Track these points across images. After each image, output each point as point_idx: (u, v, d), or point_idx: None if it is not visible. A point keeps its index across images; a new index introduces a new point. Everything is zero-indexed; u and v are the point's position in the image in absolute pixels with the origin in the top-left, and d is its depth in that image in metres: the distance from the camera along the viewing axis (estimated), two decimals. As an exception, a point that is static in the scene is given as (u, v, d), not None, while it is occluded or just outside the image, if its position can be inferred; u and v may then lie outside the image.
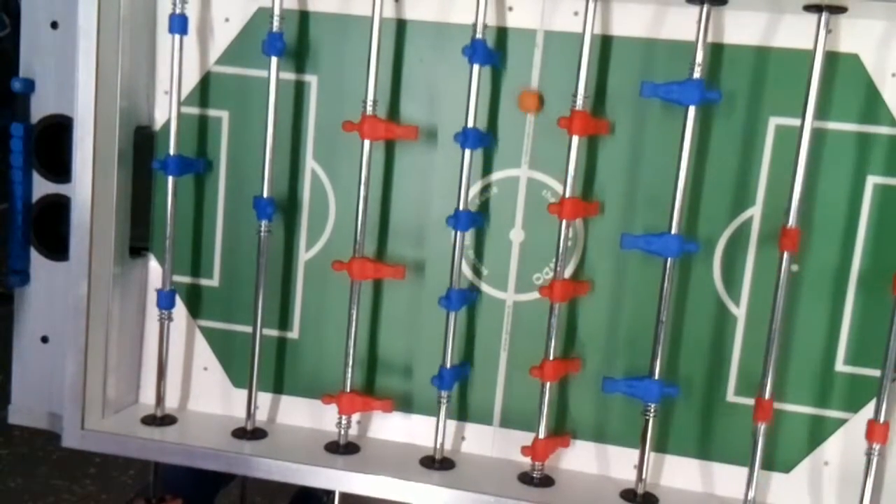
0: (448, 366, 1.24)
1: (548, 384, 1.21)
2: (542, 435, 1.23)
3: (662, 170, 1.18)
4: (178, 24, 1.26)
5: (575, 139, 1.17)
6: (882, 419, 1.12)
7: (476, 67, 1.18)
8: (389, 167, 1.29)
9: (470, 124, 1.19)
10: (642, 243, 1.17)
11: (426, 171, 1.28)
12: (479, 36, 1.17)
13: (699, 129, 1.18)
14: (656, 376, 1.18)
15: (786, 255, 1.13)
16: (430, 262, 1.29)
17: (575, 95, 1.16)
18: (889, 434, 1.13)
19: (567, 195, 1.18)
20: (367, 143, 1.22)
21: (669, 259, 1.16)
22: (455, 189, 1.21)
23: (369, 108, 1.21)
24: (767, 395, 1.15)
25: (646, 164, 1.22)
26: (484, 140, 1.23)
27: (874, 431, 1.13)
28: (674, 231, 1.16)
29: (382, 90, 1.25)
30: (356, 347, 1.27)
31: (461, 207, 1.22)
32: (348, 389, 1.27)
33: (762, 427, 1.16)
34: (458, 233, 1.22)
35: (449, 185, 1.23)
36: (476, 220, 1.25)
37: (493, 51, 1.21)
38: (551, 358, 1.21)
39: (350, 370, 1.27)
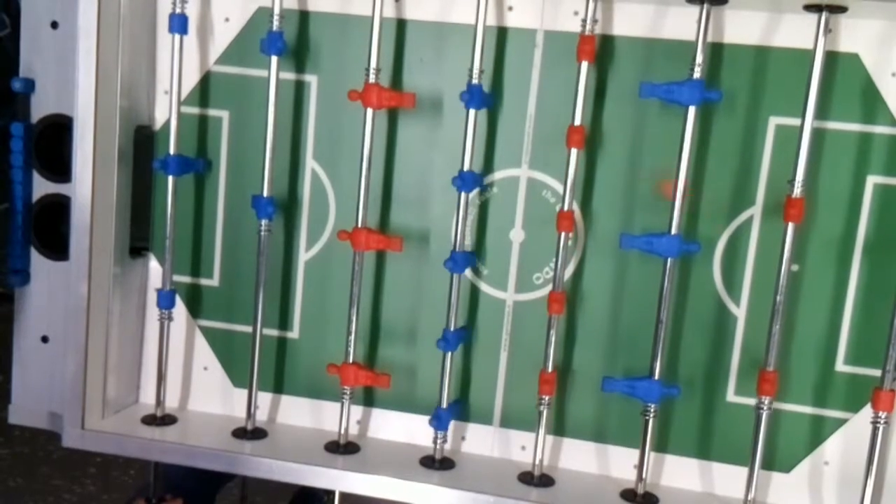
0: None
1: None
2: (541, 435, 1.23)
3: (662, 170, 1.18)
4: (178, 24, 1.26)
5: (574, 151, 1.17)
6: (887, 385, 1.12)
7: (473, 113, 1.19)
8: (392, 142, 1.29)
9: (470, 122, 1.19)
10: (642, 244, 1.17)
11: (429, 147, 1.28)
12: (475, 80, 1.18)
13: (699, 128, 1.18)
14: (656, 376, 1.18)
15: (786, 257, 1.13)
16: (433, 239, 1.29)
17: (574, 110, 1.16)
18: (896, 402, 1.13)
19: (566, 201, 1.18)
20: (369, 112, 1.22)
21: (669, 259, 1.16)
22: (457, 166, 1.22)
23: (372, 77, 1.21)
24: (771, 367, 1.15)
25: (646, 164, 1.22)
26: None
27: (880, 399, 1.12)
28: (674, 231, 1.15)
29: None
30: (358, 321, 1.26)
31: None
32: (350, 361, 1.27)
33: (767, 402, 1.15)
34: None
35: (452, 163, 1.22)
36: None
37: (488, 95, 1.22)
38: (550, 369, 1.21)
39: (352, 342, 1.26)
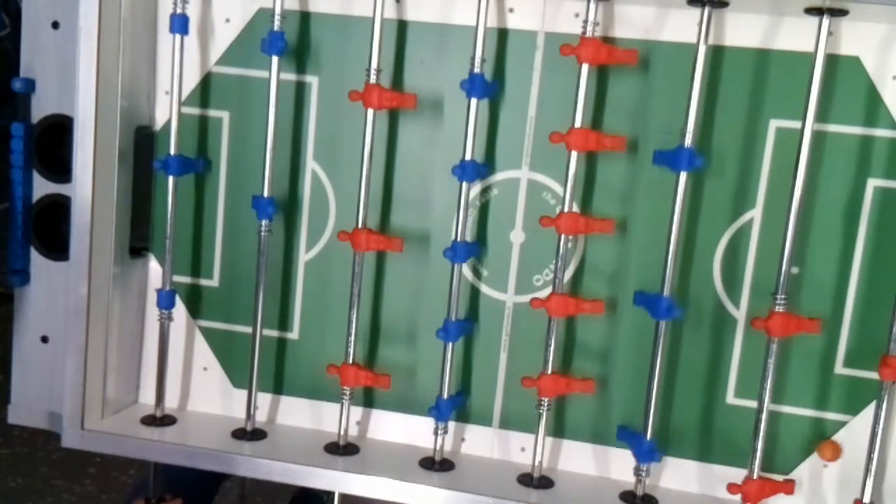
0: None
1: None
2: (540, 437, 1.23)
3: (663, 172, 1.18)
4: (179, 24, 1.26)
5: (574, 154, 1.17)
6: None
7: (475, 101, 1.18)
8: (392, 143, 1.29)
9: (471, 123, 1.19)
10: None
11: (429, 148, 1.28)
12: (476, 69, 1.18)
13: (700, 131, 1.18)
14: (655, 376, 1.18)
15: (786, 260, 1.13)
16: (434, 240, 1.29)
17: (574, 112, 1.16)
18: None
19: (567, 202, 1.18)
20: (370, 113, 1.22)
21: (670, 259, 1.16)
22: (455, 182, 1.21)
23: (373, 77, 1.21)
24: (771, 370, 1.14)
25: (647, 165, 1.22)
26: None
27: (888, 365, 1.11)
28: (674, 232, 1.16)
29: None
30: (358, 321, 1.26)
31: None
32: (350, 361, 1.27)
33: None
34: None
35: (452, 164, 1.22)
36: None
37: (490, 83, 1.22)
38: (549, 371, 1.21)
39: (352, 342, 1.26)
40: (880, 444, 1.13)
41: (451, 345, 1.24)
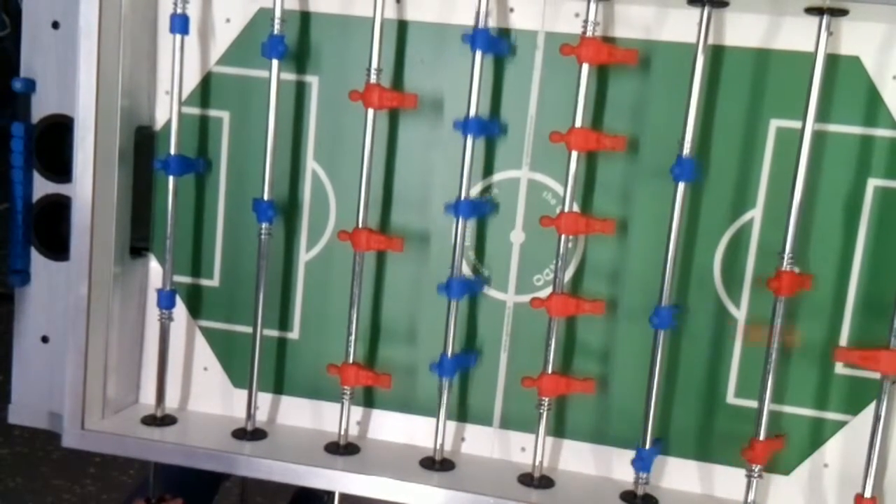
0: (449, 355, 1.23)
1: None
2: (541, 437, 1.23)
3: (663, 171, 1.18)
4: (179, 24, 1.26)
5: (574, 154, 1.17)
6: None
7: (479, 54, 1.17)
8: (393, 143, 1.29)
9: (476, 65, 1.19)
10: None
11: (429, 148, 1.28)
12: (481, 25, 1.17)
13: (700, 131, 1.18)
14: (655, 376, 1.18)
15: (786, 258, 1.13)
16: (434, 240, 1.29)
17: (574, 112, 1.16)
18: None
19: (567, 203, 1.18)
20: (370, 113, 1.22)
21: (670, 259, 1.16)
22: (456, 182, 1.21)
23: (373, 77, 1.21)
24: (771, 372, 1.15)
25: (647, 165, 1.22)
26: (488, 128, 1.23)
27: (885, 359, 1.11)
28: (674, 232, 1.16)
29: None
30: (359, 321, 1.26)
31: (462, 197, 1.21)
32: (351, 361, 1.27)
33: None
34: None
35: (452, 170, 1.22)
36: (480, 207, 1.25)
37: (496, 38, 1.21)
38: (549, 371, 1.21)
39: (353, 342, 1.26)
40: (880, 444, 1.13)
41: (455, 304, 1.22)
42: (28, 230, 1.35)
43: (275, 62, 1.24)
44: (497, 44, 1.21)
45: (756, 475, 1.17)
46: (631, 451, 1.24)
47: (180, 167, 1.30)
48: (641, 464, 1.21)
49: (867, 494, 1.14)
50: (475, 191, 1.27)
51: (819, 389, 1.22)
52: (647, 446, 1.20)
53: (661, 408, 1.21)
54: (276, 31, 1.23)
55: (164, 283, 1.33)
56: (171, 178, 1.29)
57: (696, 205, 1.21)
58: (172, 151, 1.29)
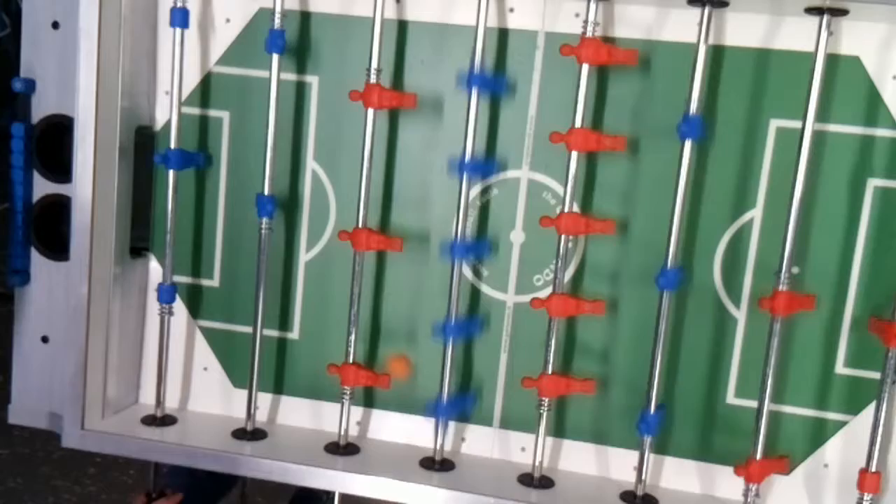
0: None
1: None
2: (541, 437, 1.23)
3: (663, 171, 1.18)
4: (179, 18, 1.26)
5: (574, 154, 1.17)
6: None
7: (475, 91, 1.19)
8: (392, 143, 1.29)
9: (471, 124, 1.20)
10: None
11: (429, 148, 1.28)
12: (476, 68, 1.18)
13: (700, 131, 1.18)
14: (655, 377, 1.18)
15: (786, 258, 1.13)
16: (434, 239, 1.29)
17: (574, 112, 1.16)
18: (881, 483, 1.14)
19: (567, 203, 1.18)
20: (370, 113, 1.22)
21: (670, 259, 1.16)
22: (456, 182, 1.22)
23: (373, 77, 1.21)
24: (771, 371, 1.15)
25: (647, 165, 1.22)
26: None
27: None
28: (674, 233, 1.16)
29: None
30: (359, 321, 1.26)
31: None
32: (351, 361, 1.27)
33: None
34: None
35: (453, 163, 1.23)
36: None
37: (492, 78, 1.22)
38: (550, 371, 1.21)
39: (353, 342, 1.26)
40: (880, 444, 1.13)
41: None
42: (28, 230, 1.35)
43: (275, 58, 1.24)
44: (495, 83, 1.22)
45: (753, 495, 1.16)
46: (631, 452, 1.24)
47: (180, 161, 1.29)
48: (646, 427, 1.20)
49: (867, 495, 1.14)
50: (475, 191, 1.27)
51: (819, 389, 1.22)
52: (653, 411, 1.20)
53: (661, 407, 1.21)
54: (276, 26, 1.23)
55: (164, 278, 1.33)
56: (171, 173, 1.29)
57: (697, 204, 1.21)
58: (172, 146, 1.29)
